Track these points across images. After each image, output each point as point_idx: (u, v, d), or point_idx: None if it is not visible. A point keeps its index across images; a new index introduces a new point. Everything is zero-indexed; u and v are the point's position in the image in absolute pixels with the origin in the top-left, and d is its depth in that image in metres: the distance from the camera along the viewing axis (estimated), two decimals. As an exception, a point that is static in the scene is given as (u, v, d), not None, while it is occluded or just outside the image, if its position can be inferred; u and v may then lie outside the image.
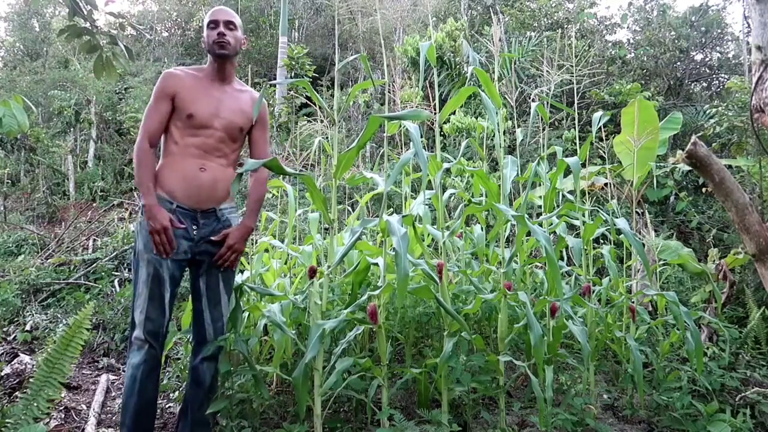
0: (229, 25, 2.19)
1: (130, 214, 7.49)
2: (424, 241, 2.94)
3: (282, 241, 3.08)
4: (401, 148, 4.08)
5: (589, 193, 3.75)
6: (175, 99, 2.13)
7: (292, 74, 9.85)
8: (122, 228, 6.17)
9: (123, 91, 12.25)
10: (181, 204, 2.11)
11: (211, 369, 2.20)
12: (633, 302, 2.97)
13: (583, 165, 3.27)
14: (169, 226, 2.03)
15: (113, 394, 3.08)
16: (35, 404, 2.01)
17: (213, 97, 2.18)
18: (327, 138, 3.60)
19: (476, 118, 7.38)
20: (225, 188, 2.19)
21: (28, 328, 4.04)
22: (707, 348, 3.27)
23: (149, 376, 2.07)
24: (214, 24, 2.18)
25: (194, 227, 2.14)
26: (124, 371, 3.45)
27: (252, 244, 3.03)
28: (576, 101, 3.34)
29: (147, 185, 2.05)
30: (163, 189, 2.11)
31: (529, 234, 2.50)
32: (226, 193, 2.19)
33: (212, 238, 2.16)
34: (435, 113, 2.48)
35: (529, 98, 7.14)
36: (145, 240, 2.07)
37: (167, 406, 2.80)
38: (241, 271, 2.92)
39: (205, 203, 2.15)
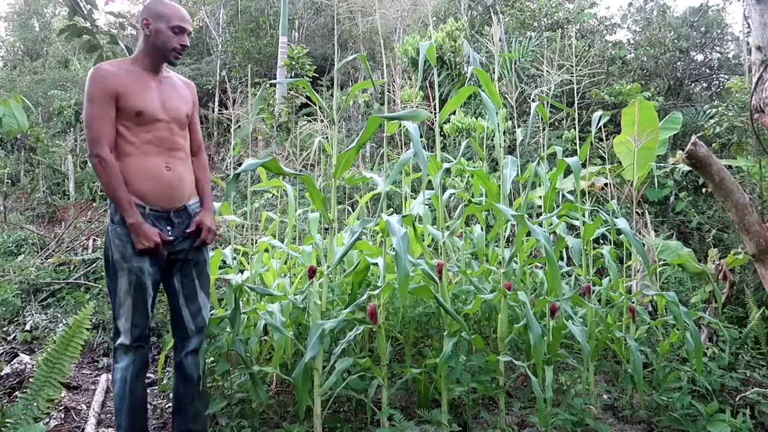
0: (189, 35, 2.13)
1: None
2: (424, 241, 2.94)
3: (282, 241, 3.08)
4: (401, 148, 4.08)
5: (589, 193, 3.75)
6: (118, 99, 1.99)
7: (292, 74, 9.86)
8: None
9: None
10: (154, 206, 2.06)
11: (196, 362, 2.19)
12: (633, 302, 2.97)
13: (583, 165, 3.27)
14: (159, 241, 2.01)
15: (113, 393, 3.08)
16: (35, 404, 2.01)
17: (153, 89, 2.09)
18: (327, 138, 3.60)
19: (476, 118, 7.38)
20: (190, 183, 2.19)
21: (28, 328, 4.04)
22: (707, 348, 3.27)
23: (138, 376, 2.08)
24: (180, 30, 2.08)
25: (169, 228, 2.11)
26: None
27: (252, 244, 3.03)
28: (576, 101, 3.34)
29: (128, 200, 1.97)
30: (131, 192, 2.01)
31: (529, 234, 2.50)
32: (192, 189, 2.20)
33: (188, 230, 2.14)
34: (435, 113, 2.48)
35: (529, 98, 7.14)
36: (122, 250, 2.01)
37: (167, 406, 2.80)
38: (241, 271, 2.92)
39: (176, 201, 2.13)
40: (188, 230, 2.15)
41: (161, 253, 2.04)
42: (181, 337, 2.21)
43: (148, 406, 2.44)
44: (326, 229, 3.50)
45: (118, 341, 2.07)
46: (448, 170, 3.66)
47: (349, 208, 4.28)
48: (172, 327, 2.24)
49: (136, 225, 1.97)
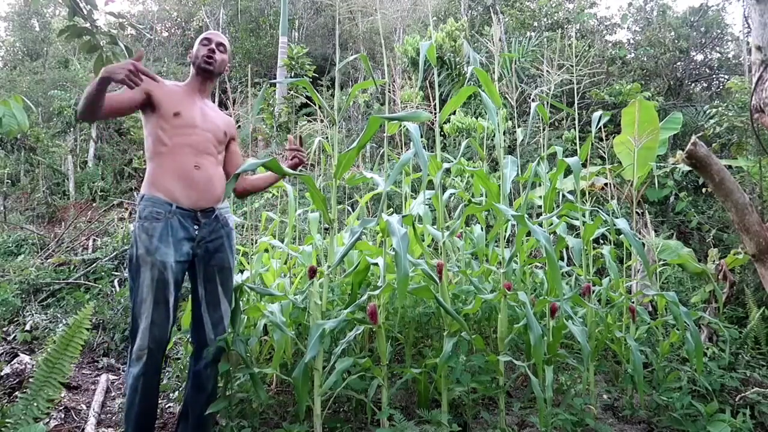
0: (220, 47, 2.29)
1: (130, 214, 7.49)
2: (424, 241, 2.94)
3: (282, 241, 3.08)
4: (401, 148, 4.08)
5: (589, 193, 3.75)
6: (151, 98, 2.11)
7: (292, 74, 9.86)
8: (122, 228, 6.17)
9: (122, 91, 12.18)
10: (181, 204, 2.08)
11: (214, 373, 2.18)
12: (633, 302, 2.97)
13: (583, 165, 3.27)
14: (133, 68, 1.82)
15: (113, 394, 3.08)
16: (35, 404, 2.01)
17: (196, 104, 2.23)
18: (327, 138, 3.60)
19: (476, 118, 7.39)
20: (220, 186, 2.20)
21: (28, 328, 4.04)
22: (707, 348, 3.27)
23: (150, 385, 2.04)
24: (206, 41, 2.29)
25: (195, 227, 2.12)
26: (123, 371, 3.46)
27: (252, 244, 3.03)
28: (576, 101, 3.34)
29: (94, 81, 1.87)
30: (159, 190, 2.07)
31: (529, 234, 2.50)
32: (221, 192, 2.21)
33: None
34: (435, 113, 2.48)
35: (529, 98, 7.14)
36: (146, 244, 2.02)
37: (167, 406, 2.80)
38: (241, 271, 2.92)
39: (204, 202, 2.14)
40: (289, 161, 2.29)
41: (137, 69, 1.84)
42: (202, 345, 2.18)
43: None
44: (326, 229, 3.51)
45: (135, 344, 2.02)
46: (448, 170, 3.66)
47: (349, 208, 4.28)
48: (192, 334, 2.23)
49: (107, 70, 1.83)
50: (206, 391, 2.17)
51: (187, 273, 2.19)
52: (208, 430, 2.19)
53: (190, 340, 2.29)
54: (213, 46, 2.27)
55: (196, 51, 2.29)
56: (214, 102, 2.43)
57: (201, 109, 2.24)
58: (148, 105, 2.13)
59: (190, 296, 2.26)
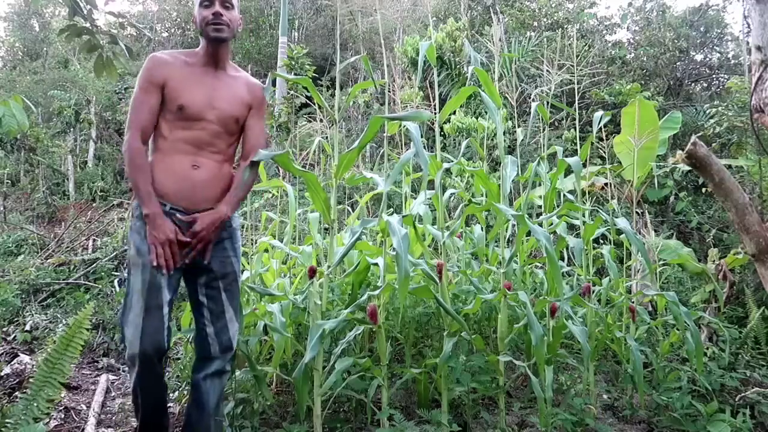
0: (225, 3, 1.94)
1: (131, 214, 7.48)
2: (424, 241, 2.94)
3: (282, 241, 3.08)
4: (401, 148, 4.08)
5: (589, 193, 3.75)
6: (164, 88, 1.91)
7: (292, 74, 9.86)
8: (122, 228, 6.17)
9: (123, 91, 12.20)
10: (175, 206, 1.92)
11: (216, 387, 1.98)
12: (633, 302, 2.97)
13: (584, 165, 3.27)
14: (174, 239, 1.84)
15: (113, 394, 3.08)
16: (35, 404, 2.00)
17: (206, 85, 1.97)
18: (327, 138, 3.60)
19: (476, 118, 7.38)
20: (222, 186, 1.99)
21: (27, 328, 4.04)
22: (707, 348, 3.27)
23: (151, 388, 1.92)
24: (208, 1, 1.93)
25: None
26: (123, 371, 3.46)
27: (252, 244, 3.03)
28: (576, 101, 3.34)
29: (147, 191, 1.85)
30: (154, 191, 1.89)
31: (529, 234, 2.50)
32: (224, 192, 1.99)
33: (189, 224, 1.91)
34: (435, 113, 2.48)
35: (530, 98, 7.15)
36: (138, 245, 1.87)
37: (167, 406, 2.79)
38: (241, 272, 2.92)
39: (201, 203, 1.95)
40: (191, 223, 1.92)
41: (173, 251, 1.85)
42: (203, 356, 2.00)
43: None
44: (326, 229, 3.51)
45: (127, 353, 1.87)
46: (448, 170, 3.66)
47: (349, 208, 4.28)
48: (195, 344, 2.06)
49: (152, 216, 1.83)
50: (207, 407, 1.96)
51: (185, 278, 2.02)
52: None
53: (191, 337, 2.24)
54: (218, 7, 1.93)
55: (198, 16, 1.95)
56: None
57: (212, 90, 1.97)
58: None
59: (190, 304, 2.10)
